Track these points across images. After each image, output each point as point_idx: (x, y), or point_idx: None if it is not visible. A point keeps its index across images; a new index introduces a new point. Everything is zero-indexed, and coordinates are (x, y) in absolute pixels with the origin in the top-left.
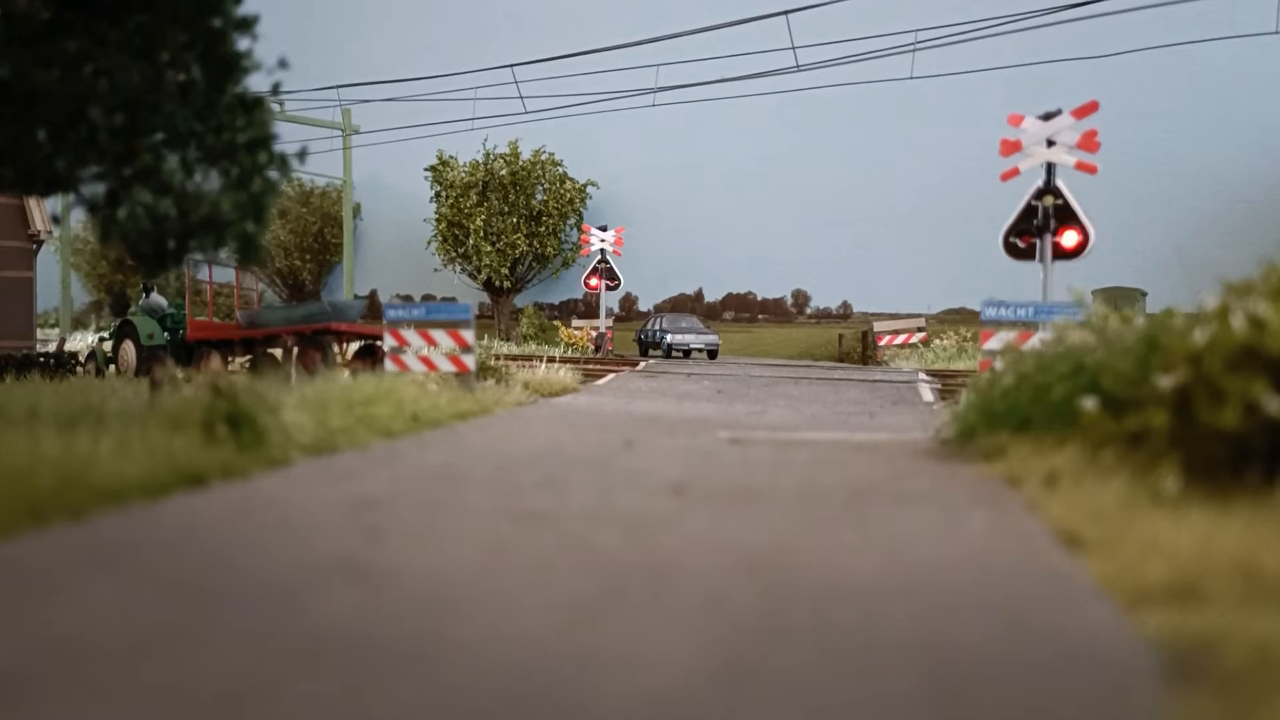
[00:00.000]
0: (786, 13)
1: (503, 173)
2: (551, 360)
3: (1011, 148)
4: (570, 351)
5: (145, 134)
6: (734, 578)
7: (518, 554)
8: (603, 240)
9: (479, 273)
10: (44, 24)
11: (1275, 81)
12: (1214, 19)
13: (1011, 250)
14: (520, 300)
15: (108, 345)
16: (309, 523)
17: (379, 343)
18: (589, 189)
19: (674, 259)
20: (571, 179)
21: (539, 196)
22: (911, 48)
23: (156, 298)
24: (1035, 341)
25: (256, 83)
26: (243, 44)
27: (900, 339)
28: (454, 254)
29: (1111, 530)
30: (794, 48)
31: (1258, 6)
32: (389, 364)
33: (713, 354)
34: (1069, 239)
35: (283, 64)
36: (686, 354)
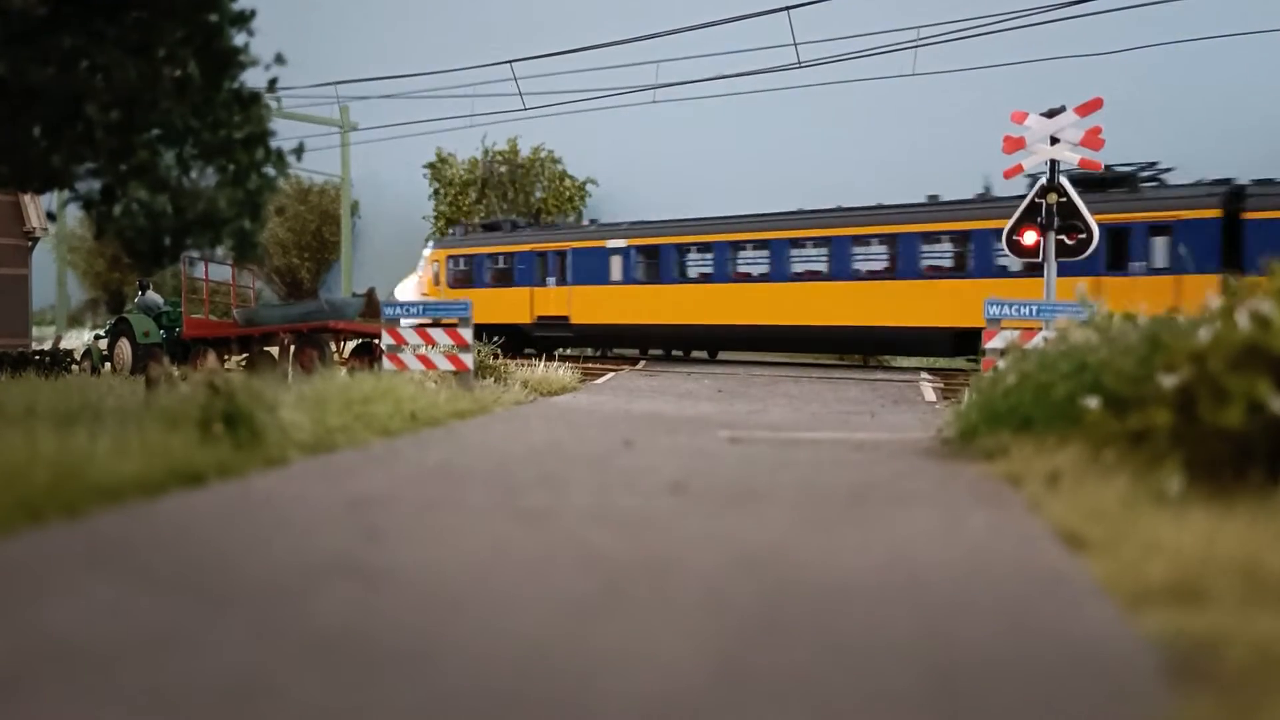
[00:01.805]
0: (788, 8)
1: (502, 170)
2: (550, 358)
3: (1015, 145)
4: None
5: (141, 130)
6: (734, 577)
7: (517, 553)
8: None
9: None
10: (40, 20)
11: (1277, 80)
12: (1217, 17)
13: (1015, 248)
14: None
15: (103, 343)
16: (307, 522)
17: (377, 341)
18: (588, 186)
19: None
20: (571, 176)
21: (538, 194)
22: (914, 44)
23: (152, 295)
24: (1038, 340)
25: (253, 78)
26: (239, 39)
27: None
28: None
29: (1113, 530)
30: (795, 44)
31: (1260, 5)
32: (387, 362)
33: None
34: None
35: (280, 60)
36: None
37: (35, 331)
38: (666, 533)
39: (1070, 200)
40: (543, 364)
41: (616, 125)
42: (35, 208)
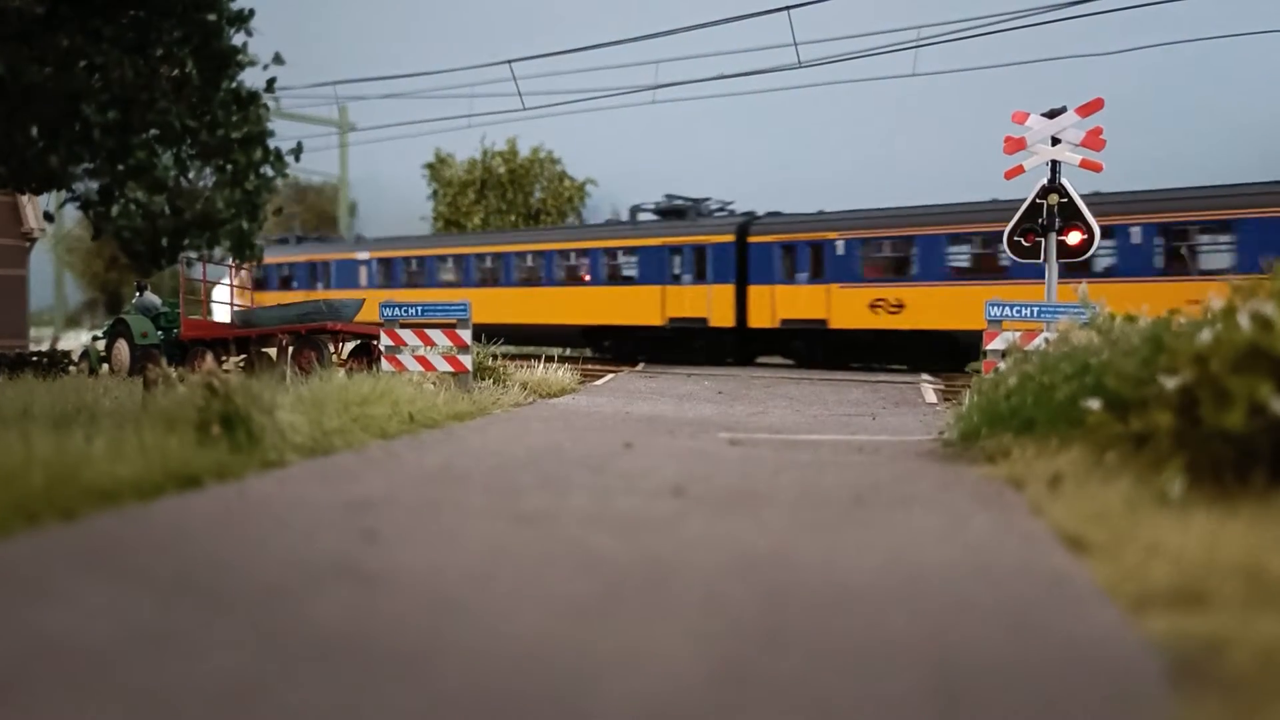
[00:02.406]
0: (788, 8)
1: (501, 170)
2: (550, 360)
3: (1016, 145)
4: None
5: (139, 130)
6: (734, 579)
7: (516, 555)
8: None
9: None
10: (38, 19)
11: (1278, 79)
12: (1219, 17)
13: (1016, 249)
14: None
15: (101, 344)
16: (304, 524)
17: (375, 342)
18: (587, 187)
19: None
20: (570, 177)
21: (537, 194)
22: (914, 44)
23: (150, 296)
24: (1039, 342)
25: (252, 78)
26: (238, 39)
27: None
28: None
29: (1115, 533)
30: (795, 44)
31: (1262, 7)
32: (385, 364)
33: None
34: (1073, 238)
35: (278, 59)
36: None
37: (33, 332)
38: (667, 535)
39: (1071, 201)
40: (542, 366)
41: (616, 125)
42: (33, 208)
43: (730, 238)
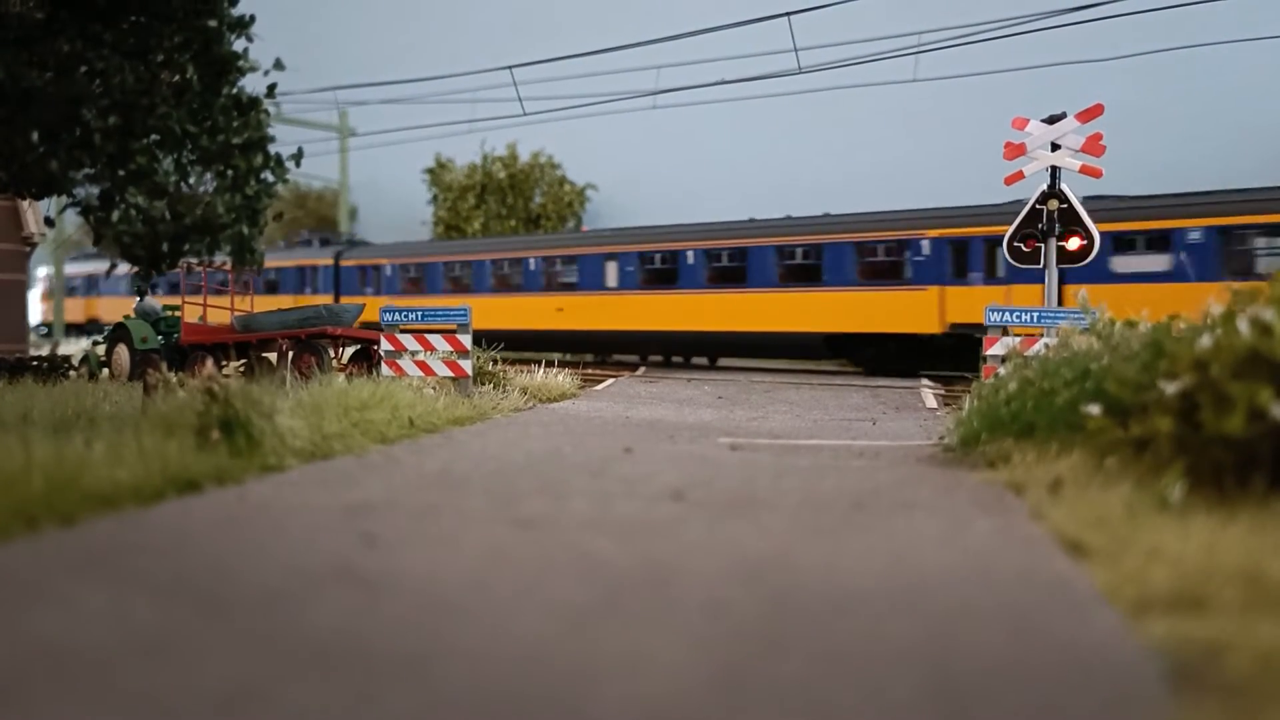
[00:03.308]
0: (789, 14)
1: (501, 175)
2: (550, 365)
3: (1016, 151)
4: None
5: (139, 135)
6: (734, 585)
7: (516, 560)
8: None
9: None
10: (37, 24)
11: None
12: (1220, 21)
13: (1015, 254)
14: None
15: (101, 349)
16: (304, 528)
17: (375, 347)
18: (588, 192)
19: None
20: (570, 182)
21: (537, 199)
22: (915, 50)
23: (151, 301)
24: (1039, 347)
25: (253, 84)
26: (239, 44)
27: None
28: None
29: (1116, 537)
30: (796, 50)
31: (1264, 8)
32: (385, 368)
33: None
34: (1072, 243)
35: (279, 65)
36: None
37: (33, 337)
38: (667, 539)
39: (1071, 207)
40: (541, 370)
41: (617, 130)
42: (34, 213)
43: (330, 262)
